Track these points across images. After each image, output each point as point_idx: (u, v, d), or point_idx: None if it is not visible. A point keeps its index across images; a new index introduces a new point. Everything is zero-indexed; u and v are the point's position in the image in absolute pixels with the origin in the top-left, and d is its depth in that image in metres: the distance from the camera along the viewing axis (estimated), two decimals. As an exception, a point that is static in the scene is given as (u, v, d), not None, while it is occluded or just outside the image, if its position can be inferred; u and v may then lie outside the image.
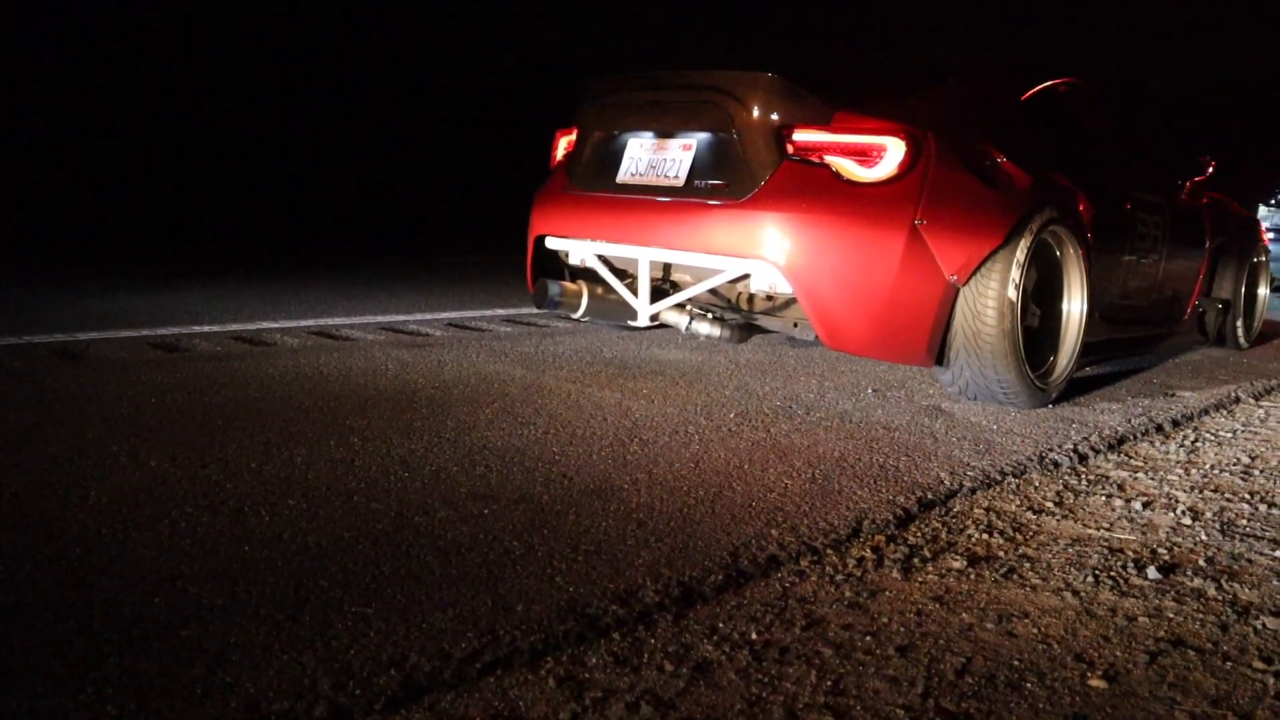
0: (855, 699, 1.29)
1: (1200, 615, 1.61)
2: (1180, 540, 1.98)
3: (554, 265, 3.53)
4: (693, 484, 2.12)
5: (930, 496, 2.14)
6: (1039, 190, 3.07)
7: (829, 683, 1.32)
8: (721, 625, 1.48)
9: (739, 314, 3.31)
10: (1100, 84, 4.02)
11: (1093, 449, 2.66)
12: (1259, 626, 1.57)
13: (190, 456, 2.13)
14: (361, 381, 2.98)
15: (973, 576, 1.73)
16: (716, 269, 2.99)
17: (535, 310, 4.78)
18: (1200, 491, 2.34)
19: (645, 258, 3.10)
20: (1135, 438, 2.85)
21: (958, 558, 1.81)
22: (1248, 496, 2.32)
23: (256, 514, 1.81)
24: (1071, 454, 2.58)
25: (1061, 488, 2.32)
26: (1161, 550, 1.92)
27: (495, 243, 8.10)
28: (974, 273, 2.86)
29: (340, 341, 3.74)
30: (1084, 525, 2.05)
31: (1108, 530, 2.02)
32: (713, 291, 3.20)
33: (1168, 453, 2.72)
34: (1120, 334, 3.81)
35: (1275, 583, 1.76)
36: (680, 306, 3.24)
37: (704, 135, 3.01)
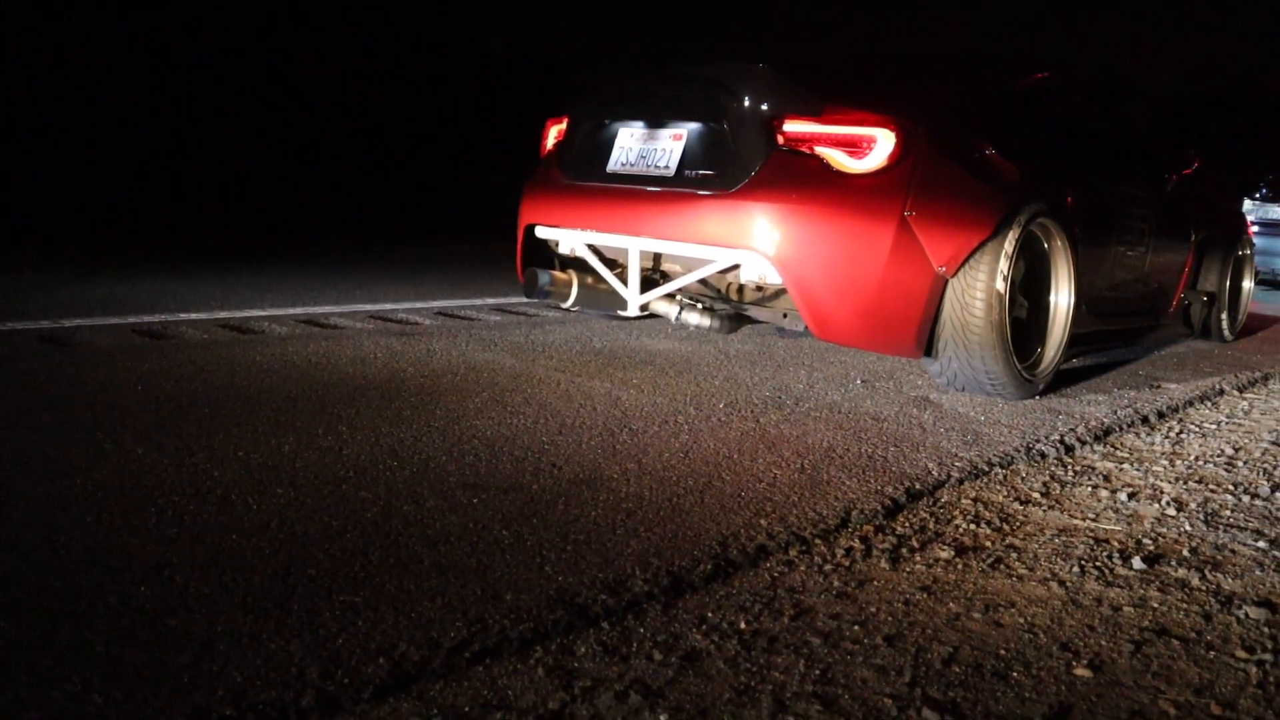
0: (843, 688, 1.29)
1: (1184, 605, 1.62)
2: (1165, 531, 2.00)
3: (544, 254, 3.53)
4: (682, 474, 2.13)
5: (918, 487, 2.15)
6: (1027, 183, 3.08)
7: (817, 672, 1.33)
8: (710, 615, 1.48)
9: (729, 304, 3.32)
10: (1088, 77, 4.03)
11: (1079, 440, 2.68)
12: (1242, 616, 1.58)
13: (177, 444, 2.12)
14: (350, 370, 2.97)
15: (960, 566, 1.74)
16: (706, 259, 2.99)
17: (525, 299, 4.78)
18: (1185, 482, 2.36)
19: (635, 247, 3.09)
20: (1121, 429, 2.87)
21: (945, 548, 1.82)
22: (1231, 487, 2.34)
23: (244, 502, 1.80)
24: (1058, 445, 2.60)
25: (1048, 478, 2.33)
26: (1146, 541, 1.93)
27: (484, 231, 8.07)
28: (962, 264, 2.87)
29: (329, 330, 3.72)
30: (1070, 516, 2.07)
31: (1094, 521, 2.04)
32: (703, 282, 3.20)
33: (1153, 444, 2.74)
34: (1107, 326, 3.84)
35: (1258, 573, 1.78)
36: (670, 296, 3.24)
37: (694, 125, 3.01)
